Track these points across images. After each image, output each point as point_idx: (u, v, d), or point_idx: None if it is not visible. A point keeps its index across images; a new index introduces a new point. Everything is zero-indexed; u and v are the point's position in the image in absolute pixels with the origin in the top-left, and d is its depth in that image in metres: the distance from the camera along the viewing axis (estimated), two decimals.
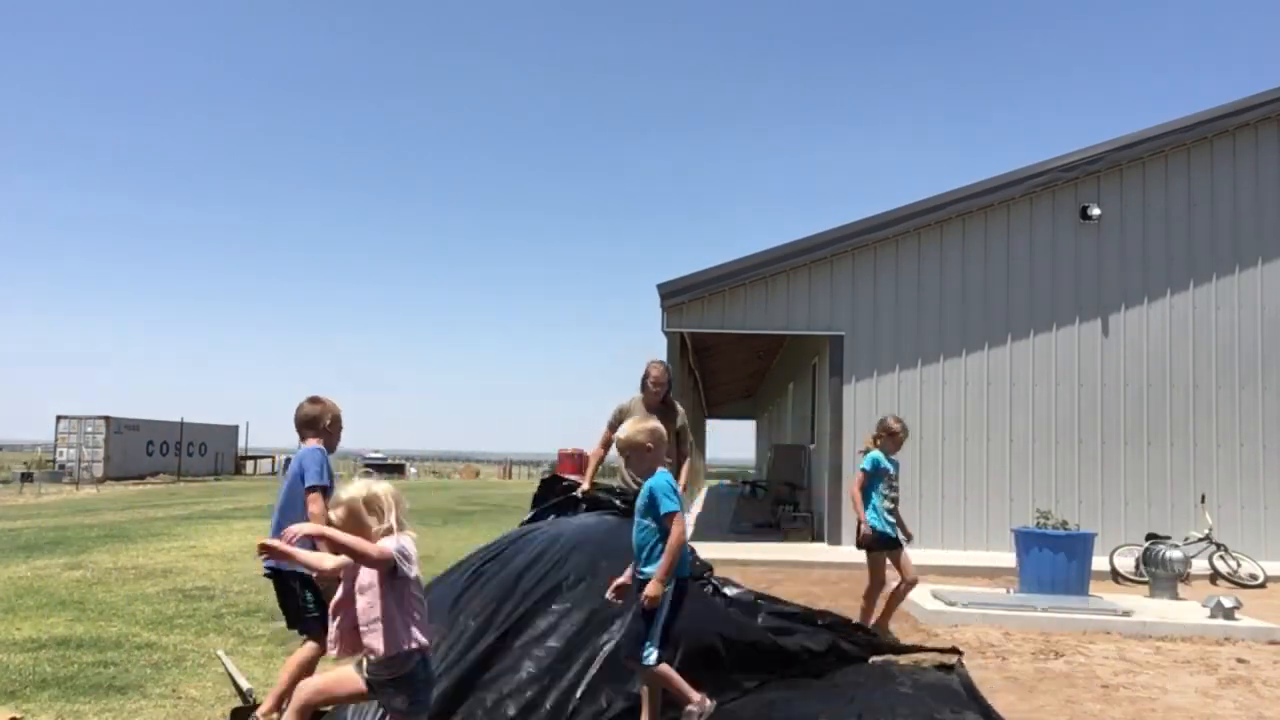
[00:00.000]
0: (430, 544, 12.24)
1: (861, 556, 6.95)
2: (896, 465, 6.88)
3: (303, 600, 4.47)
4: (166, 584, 8.53)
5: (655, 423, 4.36)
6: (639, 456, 4.27)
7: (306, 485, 4.47)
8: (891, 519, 6.71)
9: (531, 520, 5.89)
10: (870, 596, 6.85)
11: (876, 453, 6.83)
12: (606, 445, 6.72)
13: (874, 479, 6.77)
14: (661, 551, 4.11)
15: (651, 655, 4.09)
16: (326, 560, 3.42)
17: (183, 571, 9.28)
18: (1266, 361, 12.81)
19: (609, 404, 6.97)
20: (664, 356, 13.39)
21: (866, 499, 6.76)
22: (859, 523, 6.76)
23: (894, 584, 6.81)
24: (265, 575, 4.54)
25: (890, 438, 6.84)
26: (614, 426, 6.61)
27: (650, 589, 4.04)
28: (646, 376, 6.61)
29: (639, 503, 4.24)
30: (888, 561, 6.79)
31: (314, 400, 4.77)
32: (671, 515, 4.12)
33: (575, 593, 4.64)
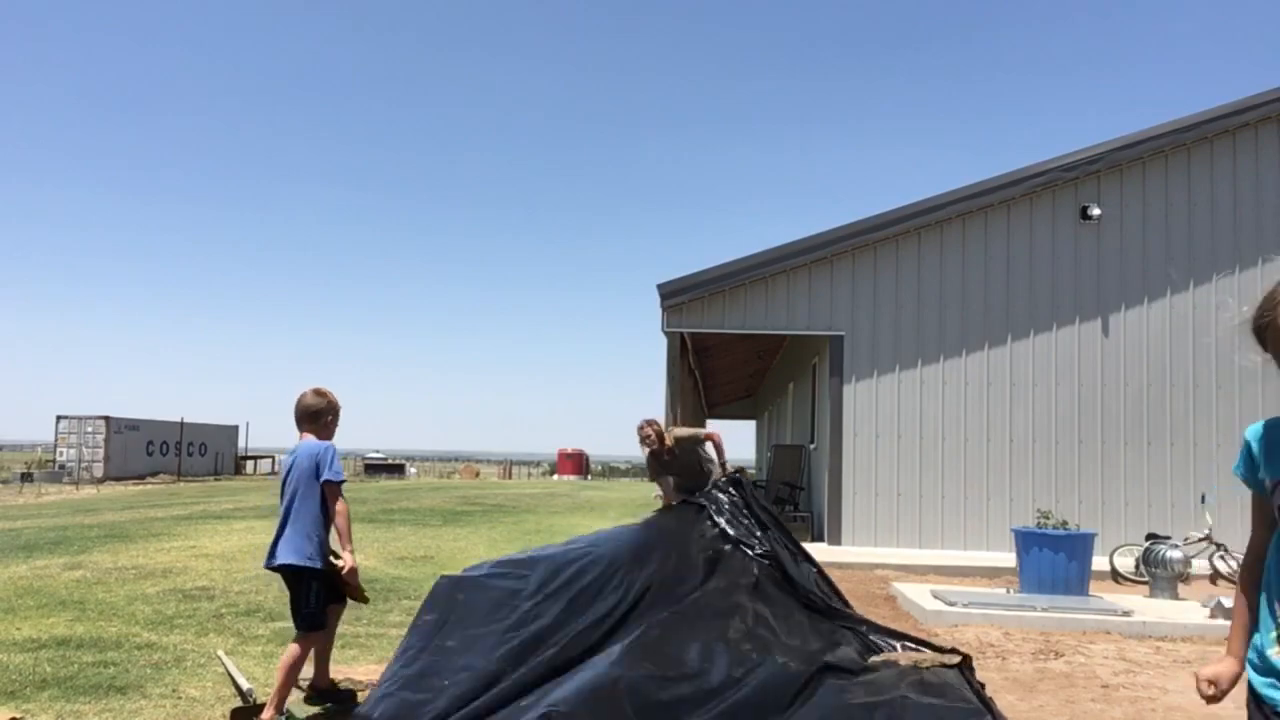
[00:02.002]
0: (430, 544, 12.24)
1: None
2: None
3: (314, 596, 4.54)
4: (166, 584, 8.53)
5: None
6: None
7: (325, 479, 4.52)
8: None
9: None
10: None
11: (1254, 427, 2.41)
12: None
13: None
14: None
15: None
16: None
17: (183, 571, 9.28)
18: (1266, 361, 12.79)
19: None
20: (664, 356, 13.39)
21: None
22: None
23: None
24: (273, 569, 4.60)
25: None
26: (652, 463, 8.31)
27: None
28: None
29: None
30: None
31: (318, 392, 4.72)
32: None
33: None
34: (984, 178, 13.03)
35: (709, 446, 8.20)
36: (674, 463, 8.11)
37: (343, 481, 4.58)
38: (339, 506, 4.52)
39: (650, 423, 8.16)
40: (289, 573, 4.54)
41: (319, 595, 4.55)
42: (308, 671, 4.78)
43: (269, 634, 6.60)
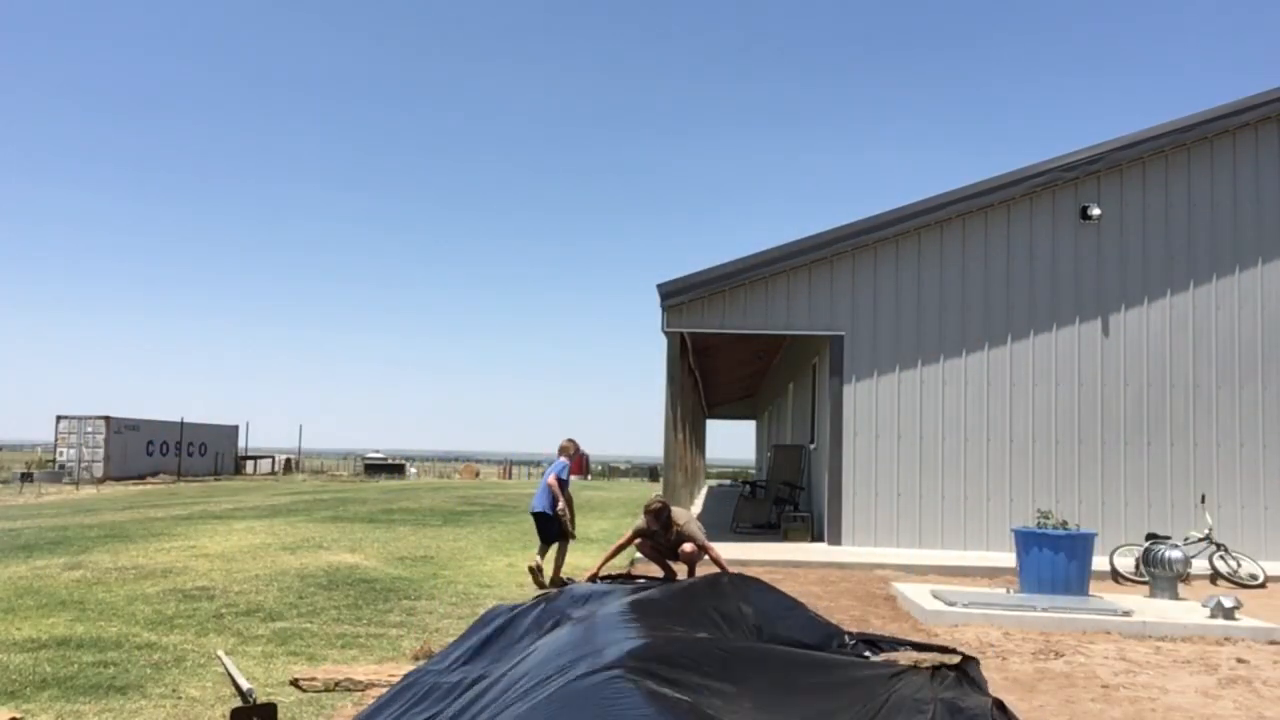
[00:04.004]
0: (430, 544, 12.25)
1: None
2: None
3: (555, 527, 9.29)
4: (166, 584, 8.53)
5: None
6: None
7: (555, 475, 9.39)
8: None
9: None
10: None
11: None
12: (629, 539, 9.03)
13: None
14: None
15: None
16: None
17: (183, 571, 9.28)
18: (1266, 361, 12.81)
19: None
20: (664, 356, 13.39)
21: None
22: None
23: None
24: (534, 513, 9.41)
25: None
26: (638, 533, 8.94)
27: None
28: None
29: None
30: None
31: (570, 440, 9.73)
32: None
33: None
34: (984, 178, 13.05)
35: (705, 553, 8.77)
36: (662, 538, 8.79)
37: (565, 480, 9.53)
38: (555, 484, 9.32)
39: (662, 503, 8.92)
40: (545, 516, 9.26)
41: (556, 528, 9.28)
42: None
43: (269, 634, 6.61)
